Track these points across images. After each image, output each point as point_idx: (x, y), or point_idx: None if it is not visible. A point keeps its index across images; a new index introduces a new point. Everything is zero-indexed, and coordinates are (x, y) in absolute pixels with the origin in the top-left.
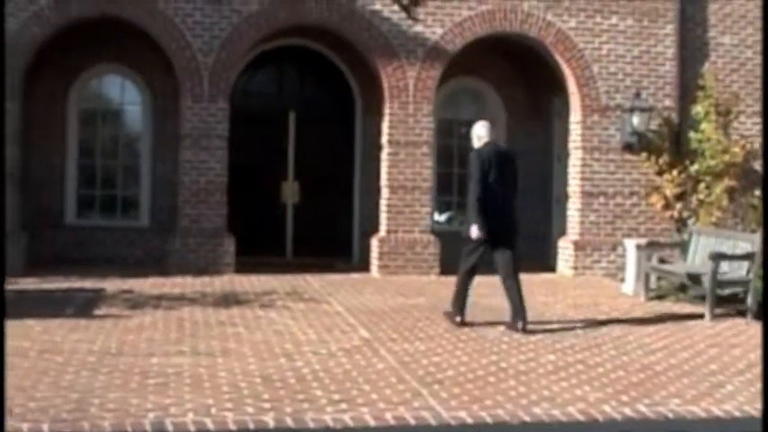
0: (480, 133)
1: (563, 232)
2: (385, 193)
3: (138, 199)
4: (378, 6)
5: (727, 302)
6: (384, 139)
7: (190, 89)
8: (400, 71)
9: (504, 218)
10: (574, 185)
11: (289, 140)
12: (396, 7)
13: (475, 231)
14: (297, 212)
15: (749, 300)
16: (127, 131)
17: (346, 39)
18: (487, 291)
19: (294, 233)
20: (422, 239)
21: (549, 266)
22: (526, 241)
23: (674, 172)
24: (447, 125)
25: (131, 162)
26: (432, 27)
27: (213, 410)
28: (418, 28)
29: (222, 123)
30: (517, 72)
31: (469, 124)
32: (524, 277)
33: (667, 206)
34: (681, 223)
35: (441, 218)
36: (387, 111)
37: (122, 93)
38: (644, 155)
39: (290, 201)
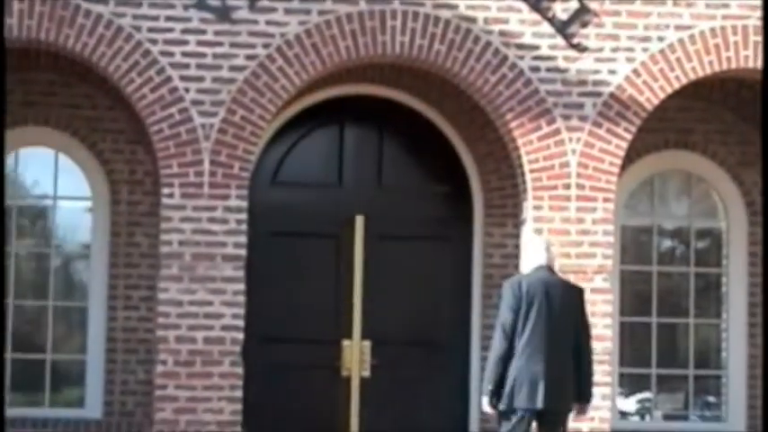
0: (528, 252)
1: None
2: None
3: (83, 371)
4: (513, 26)
5: None
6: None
7: (177, 174)
8: (554, 141)
9: (549, 389)
10: None
11: (354, 267)
12: (544, 28)
13: (485, 405)
14: (367, 393)
15: None
16: (61, 248)
17: (456, 85)
18: None
19: (362, 430)
20: None
21: None
22: None
23: None
24: (638, 238)
25: (69, 303)
26: (609, 62)
27: None
28: (585, 64)
29: (237, 235)
30: None
31: (681, 236)
32: None
33: None
34: None
35: (629, 405)
36: (529, 214)
37: (55, 179)
38: None
39: (356, 372)
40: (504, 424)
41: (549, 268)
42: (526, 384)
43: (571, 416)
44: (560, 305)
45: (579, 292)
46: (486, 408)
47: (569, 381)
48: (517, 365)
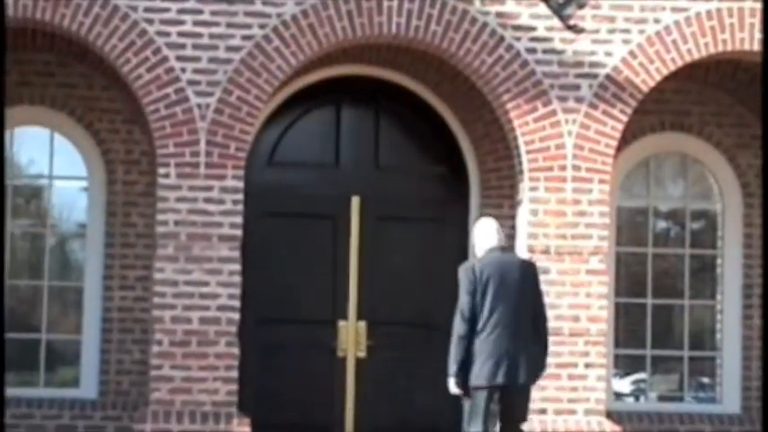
0: (480, 235)
1: None
2: None
3: (78, 351)
4: (509, 7)
5: None
6: (520, 244)
7: (174, 154)
8: (550, 123)
9: (510, 365)
10: None
11: (350, 248)
12: (540, 9)
13: (452, 385)
14: (362, 374)
15: None
16: (58, 228)
17: (453, 67)
18: None
19: (358, 410)
20: (589, 428)
21: None
22: None
23: None
24: (633, 219)
25: (65, 282)
26: (606, 44)
27: None
28: (581, 46)
29: (232, 216)
30: None
31: (676, 218)
32: None
33: None
34: None
35: (624, 386)
36: (525, 195)
37: (51, 158)
38: None
39: (352, 353)
40: (466, 400)
41: (502, 248)
42: (490, 361)
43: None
44: (516, 282)
45: (532, 267)
46: (454, 389)
47: (531, 355)
48: (480, 345)
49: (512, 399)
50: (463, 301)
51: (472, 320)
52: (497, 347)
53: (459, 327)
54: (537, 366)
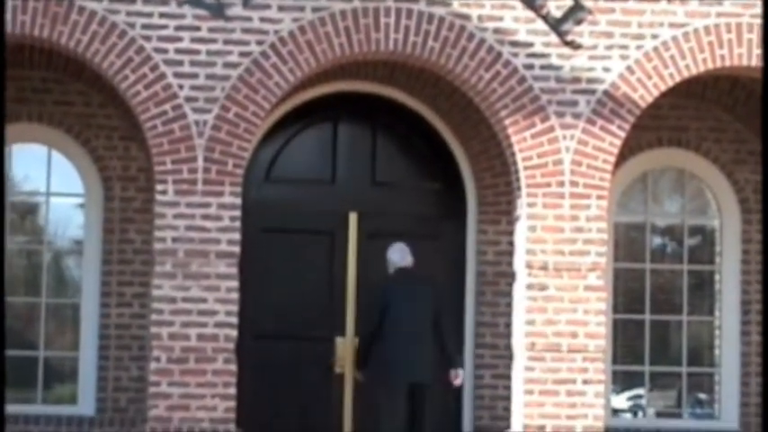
0: (390, 257)
1: None
2: (521, 357)
3: (76, 368)
4: (507, 23)
5: None
6: (518, 260)
7: (171, 171)
8: (547, 138)
9: (409, 365)
10: None
11: (347, 264)
12: (538, 25)
13: (358, 376)
14: (360, 390)
15: None
16: (54, 244)
17: (450, 83)
18: None
19: (355, 426)
20: None
21: None
22: None
23: None
24: (630, 235)
25: (62, 299)
26: (603, 60)
27: None
28: (579, 61)
29: (230, 232)
30: None
31: (673, 233)
32: None
33: None
34: None
35: (621, 402)
36: (523, 211)
37: (48, 175)
38: None
39: (349, 369)
40: (380, 395)
41: (410, 268)
42: (396, 362)
43: (457, 382)
44: (418, 297)
45: (433, 284)
46: (360, 376)
47: (429, 357)
48: (387, 346)
49: (418, 391)
50: (376, 307)
51: (381, 325)
52: (402, 350)
53: (366, 334)
54: (447, 364)
